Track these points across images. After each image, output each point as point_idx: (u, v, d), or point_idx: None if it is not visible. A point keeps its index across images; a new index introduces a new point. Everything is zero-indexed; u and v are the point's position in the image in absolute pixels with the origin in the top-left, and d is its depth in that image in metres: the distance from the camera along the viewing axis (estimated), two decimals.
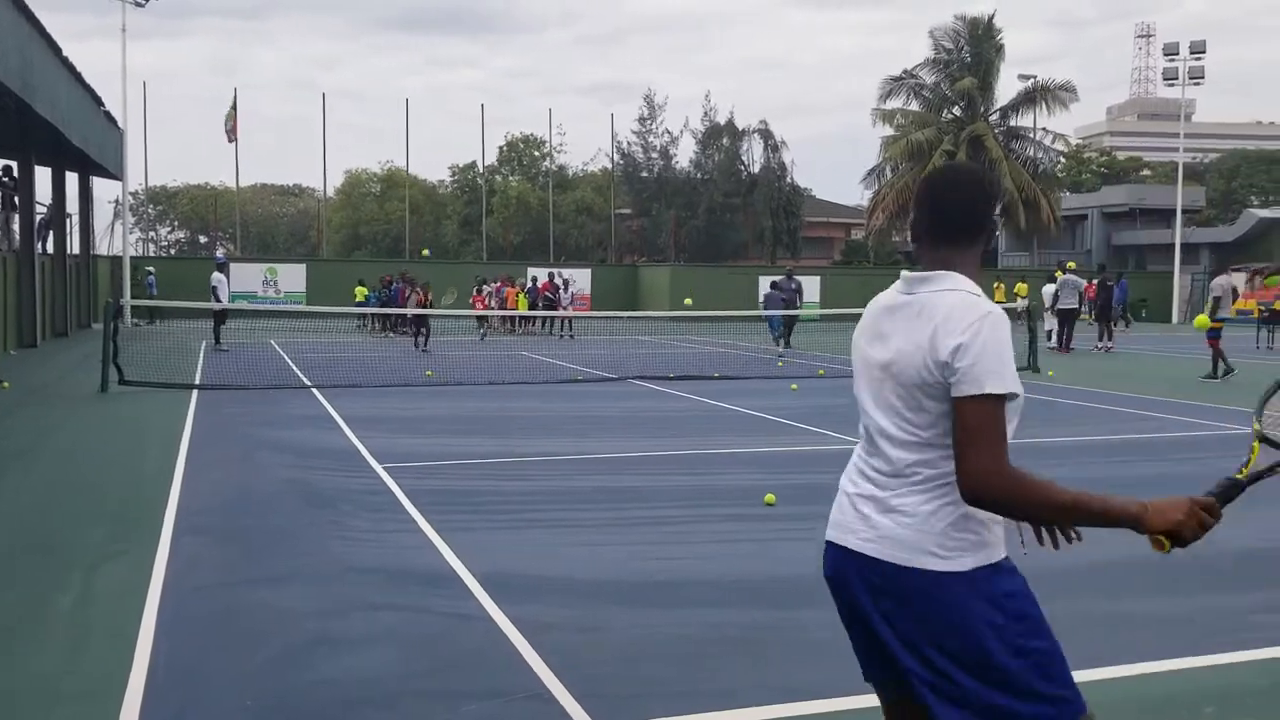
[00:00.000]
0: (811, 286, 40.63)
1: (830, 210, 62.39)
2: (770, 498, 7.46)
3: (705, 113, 54.26)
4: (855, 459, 2.45)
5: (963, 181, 2.44)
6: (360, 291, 32.07)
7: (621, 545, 6.38)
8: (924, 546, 2.26)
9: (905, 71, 52.24)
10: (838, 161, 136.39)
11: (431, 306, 26.34)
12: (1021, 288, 35.69)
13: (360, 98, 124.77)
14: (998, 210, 2.24)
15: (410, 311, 25.63)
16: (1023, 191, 47.99)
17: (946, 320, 2.27)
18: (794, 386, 15.33)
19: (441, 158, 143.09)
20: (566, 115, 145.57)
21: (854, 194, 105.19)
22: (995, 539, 2.31)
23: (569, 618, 5.00)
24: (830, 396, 14.65)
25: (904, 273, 2.42)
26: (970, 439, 2.18)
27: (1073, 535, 2.43)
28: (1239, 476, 2.39)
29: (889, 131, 52.34)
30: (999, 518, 2.30)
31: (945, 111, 52.16)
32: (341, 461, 9.10)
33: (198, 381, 15.55)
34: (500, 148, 61.72)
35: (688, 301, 24.39)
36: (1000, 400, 2.21)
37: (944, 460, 2.27)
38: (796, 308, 25.51)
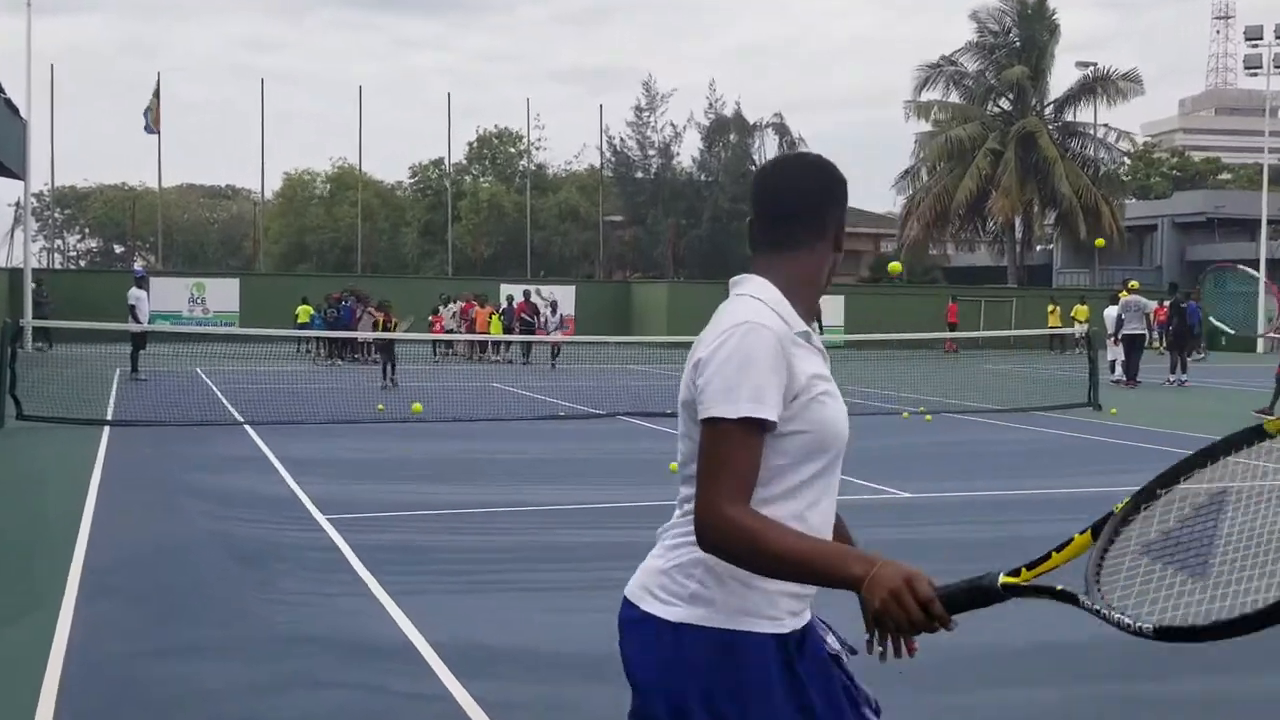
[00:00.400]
0: (833, 308, 40.80)
1: (856, 219, 62.66)
2: None
3: (710, 104, 54.55)
4: None
5: (791, 171, 2.41)
6: (304, 311, 32.10)
7: (605, 612, 6.36)
8: (646, 584, 2.30)
9: (944, 58, 52.70)
10: (864, 163, 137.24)
11: (394, 329, 26.39)
12: (1080, 311, 35.84)
13: (305, 84, 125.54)
14: (837, 207, 2.12)
15: (364, 336, 25.66)
16: (1081, 197, 48.33)
17: (706, 331, 2.26)
18: None
19: (401, 155, 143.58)
20: (545, 105, 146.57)
21: (884, 200, 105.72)
22: (731, 604, 2.20)
23: (539, 695, 5.00)
24: (856, 436, 14.60)
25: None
26: (701, 470, 2.15)
27: (904, 650, 2.31)
28: (1006, 579, 2.09)
29: (925, 127, 52.73)
30: (777, 585, 2.21)
31: (990, 104, 52.55)
32: (277, 511, 9.10)
33: (110, 416, 15.53)
34: (470, 143, 62.08)
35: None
36: (735, 426, 2.13)
37: None
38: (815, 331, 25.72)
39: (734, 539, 2.11)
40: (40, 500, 9.78)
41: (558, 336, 29.35)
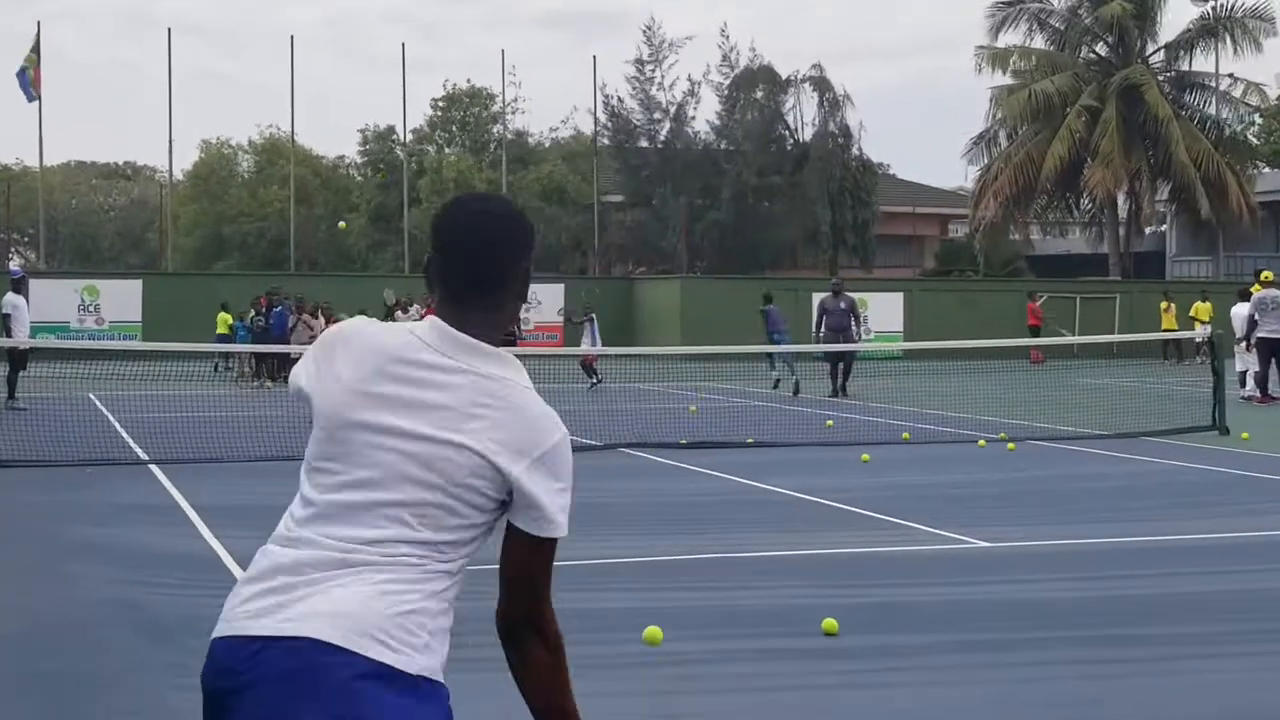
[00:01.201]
0: (889, 308, 40.87)
1: (917, 196, 62.85)
2: (830, 624, 7.48)
3: (725, 55, 54.63)
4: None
5: (500, 217, 2.90)
6: (224, 320, 32.16)
7: (608, 696, 6.39)
8: (372, 628, 2.69)
9: None
10: (926, 126, 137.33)
11: None
12: (1201, 309, 35.89)
13: (221, 36, 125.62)
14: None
15: (300, 350, 25.69)
16: (1201, 166, 48.37)
17: (525, 430, 2.75)
18: (865, 458, 15.42)
19: (346, 121, 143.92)
20: (523, 58, 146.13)
21: (952, 173, 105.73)
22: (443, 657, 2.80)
23: None
24: (919, 471, 14.67)
25: (442, 325, 2.80)
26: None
27: None
28: None
29: (1002, 80, 52.86)
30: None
31: (1085, 50, 52.71)
32: (193, 573, 9.11)
33: None
34: (433, 102, 62.20)
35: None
36: None
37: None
38: (854, 338, 25.77)
39: (561, 651, 2.92)
40: None
41: (591, 349, 28.82)
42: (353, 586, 2.65)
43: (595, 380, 27.66)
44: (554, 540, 2.79)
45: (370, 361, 2.79)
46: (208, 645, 2.78)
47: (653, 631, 7.18)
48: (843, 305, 25.90)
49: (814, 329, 27.01)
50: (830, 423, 19.78)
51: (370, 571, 2.67)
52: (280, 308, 30.51)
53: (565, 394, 26.24)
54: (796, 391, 25.21)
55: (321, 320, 28.31)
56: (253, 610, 2.68)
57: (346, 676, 2.58)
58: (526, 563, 2.80)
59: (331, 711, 2.56)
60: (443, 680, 2.72)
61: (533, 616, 2.82)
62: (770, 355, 26.69)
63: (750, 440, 17.51)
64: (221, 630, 2.72)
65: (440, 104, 62.51)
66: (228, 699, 2.67)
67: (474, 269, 2.83)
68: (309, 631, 2.61)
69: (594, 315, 29.97)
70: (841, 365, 25.67)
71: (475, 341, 2.79)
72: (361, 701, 2.57)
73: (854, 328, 26.17)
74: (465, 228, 2.85)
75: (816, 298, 38.48)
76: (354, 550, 2.68)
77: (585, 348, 28.79)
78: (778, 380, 26.34)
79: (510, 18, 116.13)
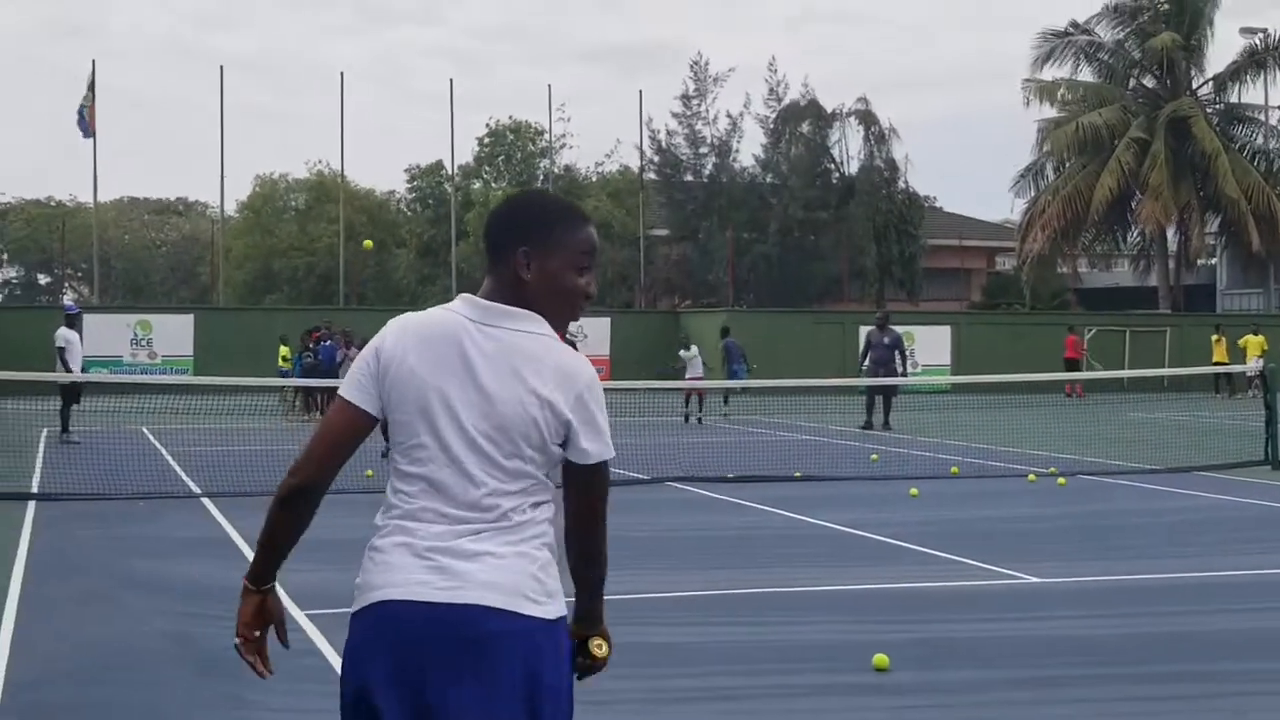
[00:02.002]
0: (937, 340, 40.73)
1: (964, 229, 62.66)
2: (881, 660, 7.46)
3: (771, 88, 54.75)
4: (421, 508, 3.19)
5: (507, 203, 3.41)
6: (284, 353, 32.40)
7: None
8: (519, 589, 3.15)
9: (1073, 24, 52.72)
10: (972, 158, 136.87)
11: None
12: (1252, 342, 35.60)
13: (271, 72, 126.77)
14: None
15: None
16: (1252, 199, 48.01)
17: (564, 374, 3.18)
18: (913, 492, 15.37)
19: (394, 157, 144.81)
20: (565, 93, 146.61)
21: (997, 205, 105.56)
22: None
23: None
24: (968, 505, 14.62)
25: (473, 298, 3.25)
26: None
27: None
28: None
29: (1050, 113, 52.69)
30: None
31: (1133, 82, 52.50)
32: None
33: (35, 489, 15.72)
34: (479, 140, 62.55)
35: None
36: None
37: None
38: (897, 371, 25.71)
39: (603, 563, 3.38)
40: None
41: (695, 382, 28.06)
42: (487, 559, 3.10)
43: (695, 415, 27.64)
44: (605, 464, 3.25)
45: (429, 344, 3.19)
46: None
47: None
48: (886, 340, 25.84)
49: (860, 361, 26.97)
50: (876, 457, 19.72)
51: (492, 536, 3.12)
52: (329, 342, 30.69)
53: (616, 427, 26.26)
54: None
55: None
56: (416, 580, 3.11)
57: (511, 633, 3.06)
58: (587, 491, 3.24)
59: (506, 666, 3.05)
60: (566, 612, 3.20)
61: (593, 542, 3.30)
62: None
63: (798, 474, 17.47)
64: (392, 594, 3.13)
65: (485, 140, 62.81)
66: (409, 654, 3.08)
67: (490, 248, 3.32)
68: (476, 599, 3.07)
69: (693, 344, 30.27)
70: (881, 399, 25.64)
71: (504, 307, 3.21)
72: (534, 655, 3.08)
73: (898, 362, 26.08)
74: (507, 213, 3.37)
75: (863, 331, 38.40)
76: (469, 519, 3.12)
77: (690, 380, 28.27)
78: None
79: (551, 52, 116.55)
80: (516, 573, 3.11)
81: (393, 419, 3.23)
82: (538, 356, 3.17)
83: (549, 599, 3.14)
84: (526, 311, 3.22)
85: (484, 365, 3.16)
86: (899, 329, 27.96)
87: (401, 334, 3.23)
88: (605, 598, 3.37)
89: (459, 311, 3.23)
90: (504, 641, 3.06)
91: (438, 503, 3.16)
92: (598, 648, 3.33)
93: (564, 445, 3.19)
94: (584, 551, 3.29)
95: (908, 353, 27.74)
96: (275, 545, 3.36)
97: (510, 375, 3.15)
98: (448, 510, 3.15)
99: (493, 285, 3.27)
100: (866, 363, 26.20)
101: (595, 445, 3.21)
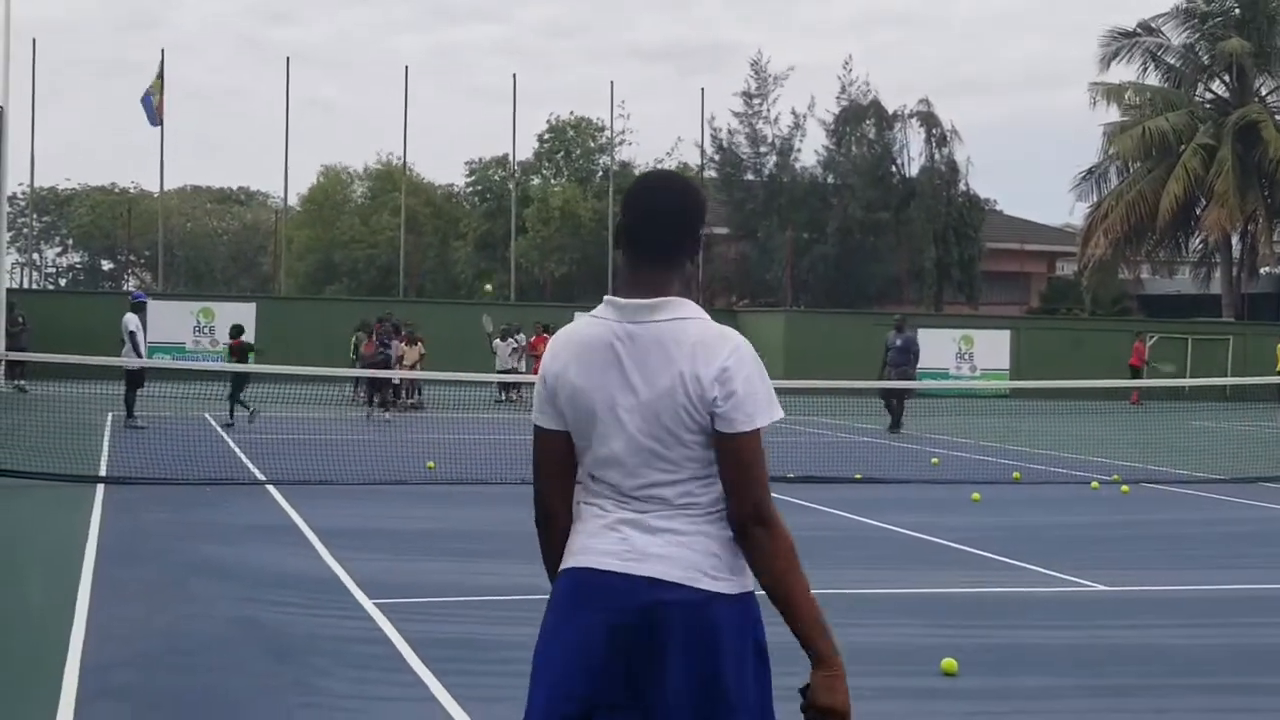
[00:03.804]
0: (997, 345, 40.46)
1: (1024, 233, 62.24)
2: (949, 664, 7.44)
3: (844, 87, 54.56)
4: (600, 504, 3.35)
5: (676, 187, 3.42)
6: (354, 344, 32.72)
7: None
8: (697, 565, 3.24)
9: (1141, 25, 52.18)
10: (1034, 162, 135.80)
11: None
12: None
13: (334, 65, 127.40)
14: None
15: (400, 375, 26.16)
16: None
17: (705, 351, 3.23)
18: (975, 497, 15.30)
19: (455, 152, 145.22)
20: (628, 90, 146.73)
21: (1059, 208, 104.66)
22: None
23: None
24: (1031, 511, 14.55)
25: (614, 299, 3.33)
26: (746, 473, 3.23)
27: None
28: None
29: (1115, 116, 52.18)
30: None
31: (1202, 87, 51.93)
32: (314, 594, 9.27)
33: (104, 472, 15.94)
34: (540, 136, 62.65)
35: None
36: (761, 432, 3.25)
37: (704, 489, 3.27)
38: (909, 375, 25.40)
39: (785, 538, 3.23)
40: (24, 579, 10.06)
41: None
42: (669, 535, 3.24)
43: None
44: (750, 433, 3.22)
45: (583, 355, 3.32)
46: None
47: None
48: (899, 343, 25.63)
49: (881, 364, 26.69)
50: (937, 460, 19.63)
51: (672, 516, 3.25)
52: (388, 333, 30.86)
53: None
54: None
55: (416, 346, 28.84)
56: (603, 550, 3.28)
57: (685, 604, 3.20)
58: (733, 459, 3.22)
59: (682, 636, 3.19)
60: (753, 589, 3.29)
61: (760, 511, 3.22)
62: None
63: (859, 476, 17.42)
64: (585, 562, 3.31)
65: (546, 136, 62.88)
66: (595, 617, 3.25)
67: (648, 234, 3.35)
68: (658, 573, 3.21)
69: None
70: (895, 401, 25.40)
71: (646, 301, 3.29)
72: (709, 626, 3.21)
73: (911, 365, 25.82)
74: (642, 201, 3.39)
75: (925, 335, 38.28)
76: (647, 512, 3.26)
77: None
78: None
79: (611, 49, 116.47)
80: (695, 550, 3.22)
81: (571, 429, 3.37)
82: (681, 342, 3.24)
83: (730, 574, 3.24)
84: (670, 299, 3.30)
85: (633, 365, 3.27)
86: (958, 331, 27.79)
87: (560, 351, 3.39)
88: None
89: (604, 316, 3.34)
90: (677, 611, 3.19)
91: (614, 501, 3.32)
92: (814, 691, 3.34)
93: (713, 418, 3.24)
94: (738, 534, 3.26)
95: (918, 357, 27.06)
96: (545, 563, 3.53)
97: (659, 368, 3.24)
98: (626, 499, 3.30)
99: (636, 279, 3.34)
100: (886, 366, 25.92)
101: (738, 413, 3.21)
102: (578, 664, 3.27)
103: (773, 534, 3.22)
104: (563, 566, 3.39)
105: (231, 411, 22.95)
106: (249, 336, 39.22)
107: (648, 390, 3.24)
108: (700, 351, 3.23)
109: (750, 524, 3.21)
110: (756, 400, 3.23)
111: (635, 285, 3.33)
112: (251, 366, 24.75)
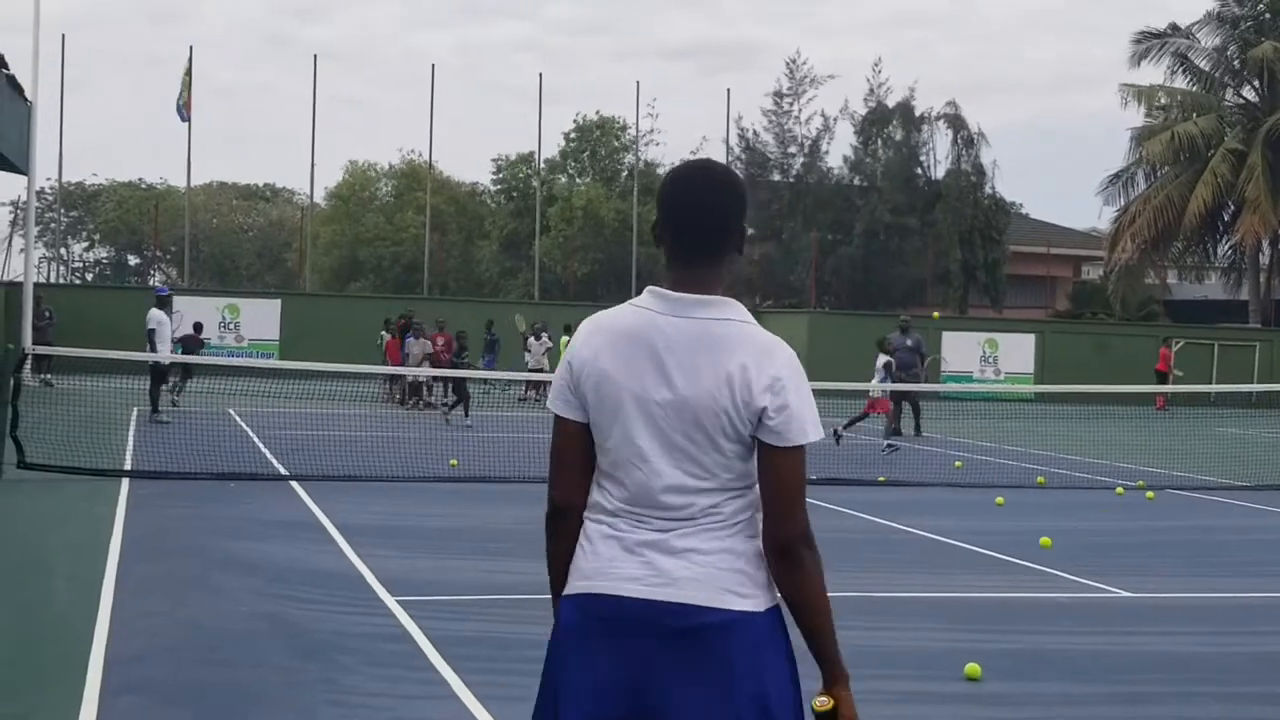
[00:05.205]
0: (1021, 348, 40.34)
1: (1050, 236, 61.97)
2: (973, 669, 7.42)
3: (872, 89, 54.46)
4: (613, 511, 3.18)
5: (719, 176, 3.26)
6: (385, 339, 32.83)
7: None
8: (725, 585, 3.09)
9: (1172, 26, 51.91)
10: (1061, 165, 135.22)
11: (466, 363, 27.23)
12: None
13: (362, 62, 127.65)
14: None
15: (430, 373, 26.18)
16: None
17: (756, 357, 3.08)
18: (999, 501, 15.26)
19: (480, 149, 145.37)
20: (653, 89, 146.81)
21: (1087, 211, 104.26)
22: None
23: None
24: (1056, 516, 14.50)
25: (660, 290, 3.17)
26: (789, 491, 3.10)
27: None
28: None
29: (1142, 119, 51.92)
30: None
31: (1232, 92, 51.65)
32: (337, 591, 9.30)
33: (129, 466, 16.01)
34: (566, 134, 62.67)
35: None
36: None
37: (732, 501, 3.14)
38: (918, 377, 25.05)
39: (817, 561, 3.12)
40: (49, 571, 10.11)
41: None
42: (692, 555, 3.09)
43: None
44: (801, 448, 3.11)
45: (618, 344, 3.16)
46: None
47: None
48: (909, 343, 25.32)
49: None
50: (960, 463, 19.59)
51: (695, 533, 3.11)
52: (410, 333, 30.93)
53: None
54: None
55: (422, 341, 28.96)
56: (624, 575, 3.13)
57: (714, 627, 3.06)
58: (780, 475, 3.10)
59: (714, 659, 3.06)
60: (779, 603, 3.16)
61: (806, 532, 3.11)
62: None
63: (882, 479, 17.40)
64: (601, 588, 3.16)
65: (571, 135, 62.89)
66: (615, 647, 3.11)
67: (694, 228, 3.19)
68: (686, 598, 3.07)
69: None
70: (907, 404, 24.88)
71: (695, 296, 3.14)
72: (739, 647, 3.07)
73: (919, 366, 25.59)
74: (686, 193, 3.21)
75: (946, 336, 38.09)
76: (668, 518, 3.12)
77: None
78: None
79: (637, 48, 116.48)
80: (721, 568, 3.09)
81: (592, 419, 3.20)
82: (731, 343, 3.09)
83: (757, 590, 3.11)
84: (720, 298, 3.16)
85: (674, 361, 3.10)
86: (983, 334, 27.67)
87: (592, 336, 3.21)
88: None
89: (647, 306, 3.17)
90: (708, 635, 3.05)
91: (635, 504, 3.15)
92: (820, 704, 3.18)
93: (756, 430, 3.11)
94: (776, 553, 3.12)
95: (926, 358, 26.75)
96: (551, 562, 3.42)
97: (703, 367, 3.09)
98: (645, 510, 3.14)
99: (684, 273, 3.18)
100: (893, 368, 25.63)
101: (791, 427, 3.08)
102: (609, 694, 3.12)
103: (815, 555, 3.12)
104: (574, 591, 3.23)
105: (155, 404, 22.52)
106: (273, 333, 39.44)
107: (687, 386, 3.08)
108: (752, 357, 3.08)
109: (797, 544, 3.09)
110: (807, 416, 3.11)
111: (681, 281, 3.16)
112: (207, 359, 25.20)
